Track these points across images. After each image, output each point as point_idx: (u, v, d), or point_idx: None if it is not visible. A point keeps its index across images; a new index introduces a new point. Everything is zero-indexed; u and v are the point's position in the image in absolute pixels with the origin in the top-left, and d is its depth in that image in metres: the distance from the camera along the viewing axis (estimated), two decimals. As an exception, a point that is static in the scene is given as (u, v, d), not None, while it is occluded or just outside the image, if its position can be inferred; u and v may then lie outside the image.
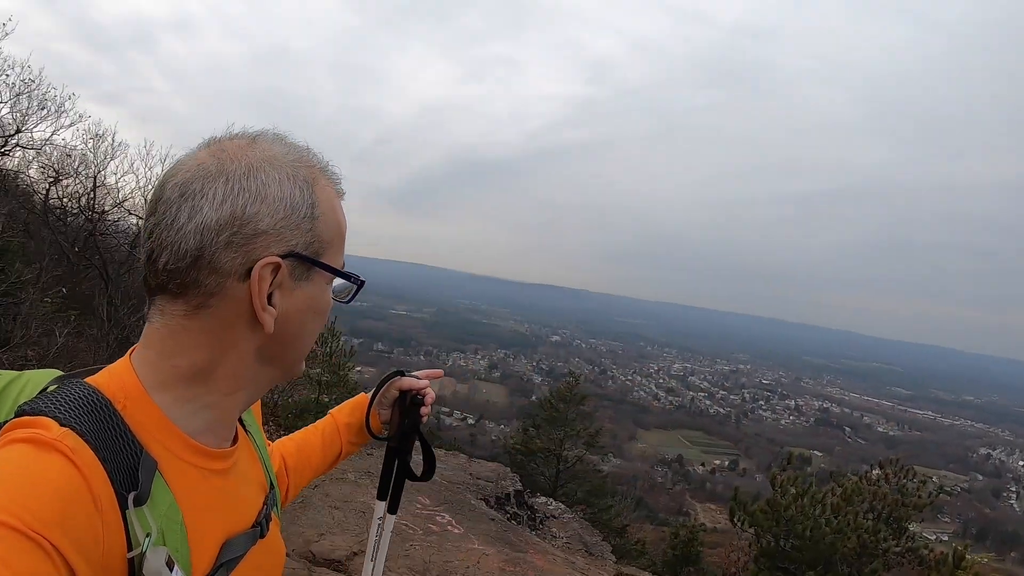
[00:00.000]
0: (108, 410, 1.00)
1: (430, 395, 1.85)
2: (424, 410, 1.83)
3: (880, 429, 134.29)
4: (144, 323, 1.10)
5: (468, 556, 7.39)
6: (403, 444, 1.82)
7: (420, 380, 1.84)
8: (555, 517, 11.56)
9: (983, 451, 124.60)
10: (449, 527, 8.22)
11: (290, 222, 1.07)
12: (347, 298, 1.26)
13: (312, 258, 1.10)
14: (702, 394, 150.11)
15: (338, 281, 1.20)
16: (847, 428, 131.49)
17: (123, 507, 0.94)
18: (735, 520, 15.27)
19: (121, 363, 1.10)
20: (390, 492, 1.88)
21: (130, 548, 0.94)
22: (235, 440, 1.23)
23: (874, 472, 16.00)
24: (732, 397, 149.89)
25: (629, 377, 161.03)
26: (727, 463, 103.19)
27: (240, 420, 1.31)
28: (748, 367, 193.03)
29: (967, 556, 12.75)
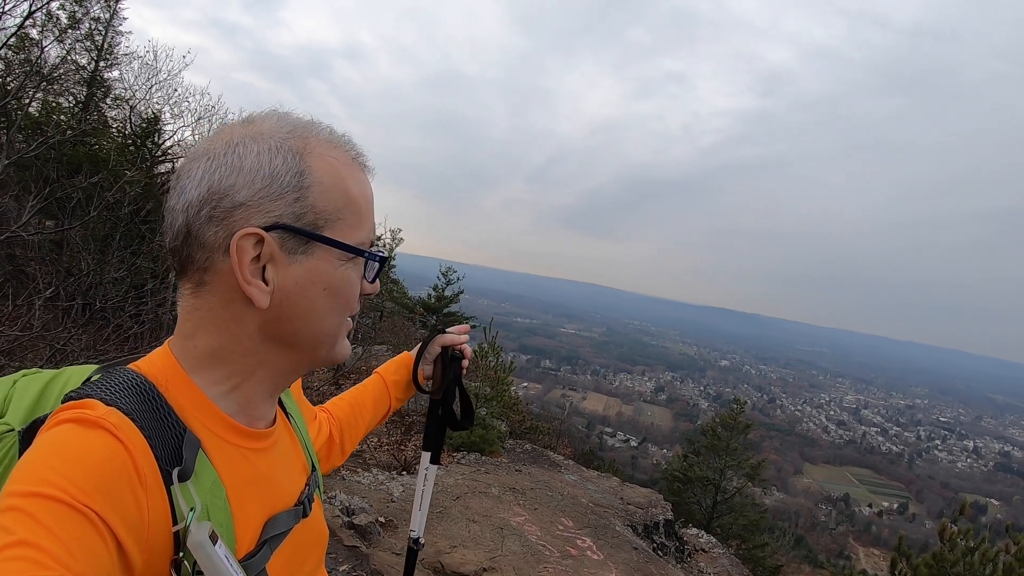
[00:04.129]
0: (152, 392, 1.02)
1: (468, 349, 1.99)
2: (464, 363, 1.97)
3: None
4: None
5: (604, 585, 7.15)
6: (447, 396, 1.95)
7: (461, 336, 1.99)
8: (705, 551, 11.40)
9: None
10: (588, 552, 8.01)
11: (271, 192, 1.06)
12: (372, 276, 1.22)
13: (306, 230, 1.08)
14: (875, 429, 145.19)
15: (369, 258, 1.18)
16: None
17: (167, 483, 0.96)
18: (896, 572, 13.95)
19: (160, 350, 1.13)
20: (434, 443, 2.02)
21: (175, 523, 0.96)
22: (274, 422, 1.26)
23: None
24: (907, 434, 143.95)
25: (798, 407, 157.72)
26: (896, 506, 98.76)
27: (281, 403, 1.35)
28: (926, 402, 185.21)
29: None
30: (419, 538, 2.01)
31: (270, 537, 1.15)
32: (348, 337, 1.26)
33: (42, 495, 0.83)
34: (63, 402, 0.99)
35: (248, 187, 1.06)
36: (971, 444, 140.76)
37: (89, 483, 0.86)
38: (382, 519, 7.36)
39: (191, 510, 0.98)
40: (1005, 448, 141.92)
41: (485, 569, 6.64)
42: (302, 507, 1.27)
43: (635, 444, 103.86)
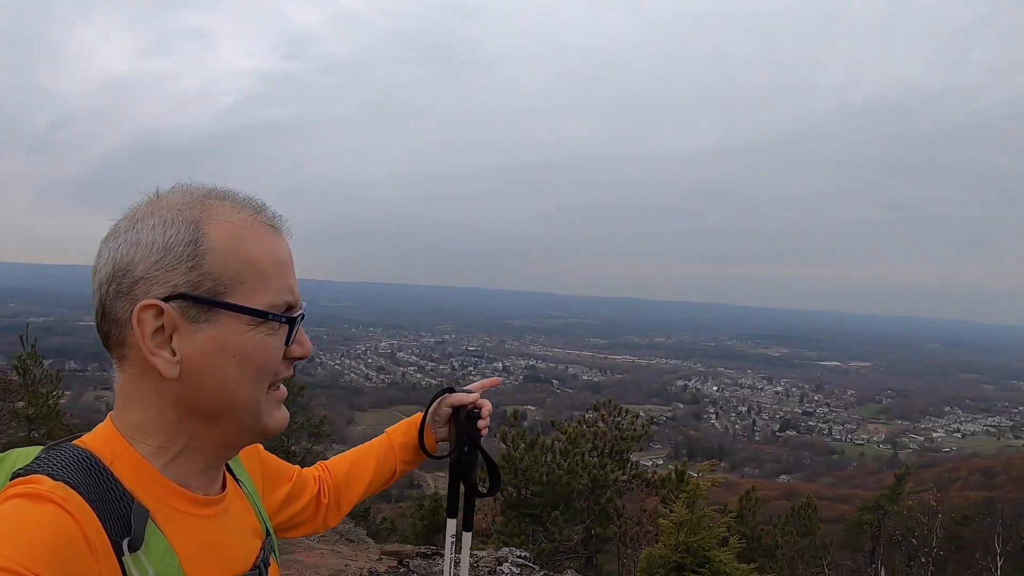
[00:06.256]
0: (97, 465, 1.04)
1: (486, 407, 1.88)
2: (482, 423, 1.86)
3: (585, 377, 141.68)
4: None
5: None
6: (464, 460, 1.85)
7: (471, 394, 1.87)
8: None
9: (680, 383, 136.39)
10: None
11: (166, 263, 1.07)
12: (287, 339, 1.17)
13: (205, 298, 1.08)
14: (412, 368, 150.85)
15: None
16: (554, 381, 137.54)
17: (118, 554, 0.97)
18: (474, 482, 16.29)
19: (104, 424, 1.15)
20: (461, 509, 1.93)
21: None
22: (224, 488, 1.26)
23: (589, 415, 17.39)
24: (441, 367, 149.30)
25: (337, 361, 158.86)
26: None
27: (229, 469, 1.34)
28: (454, 336, 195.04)
29: (687, 472, 14.00)
30: None
31: None
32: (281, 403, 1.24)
33: None
34: (11, 479, 1.01)
35: (144, 260, 1.07)
36: (500, 365, 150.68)
37: (42, 555, 0.87)
38: None
39: None
40: (530, 363, 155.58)
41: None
42: (258, 571, 1.27)
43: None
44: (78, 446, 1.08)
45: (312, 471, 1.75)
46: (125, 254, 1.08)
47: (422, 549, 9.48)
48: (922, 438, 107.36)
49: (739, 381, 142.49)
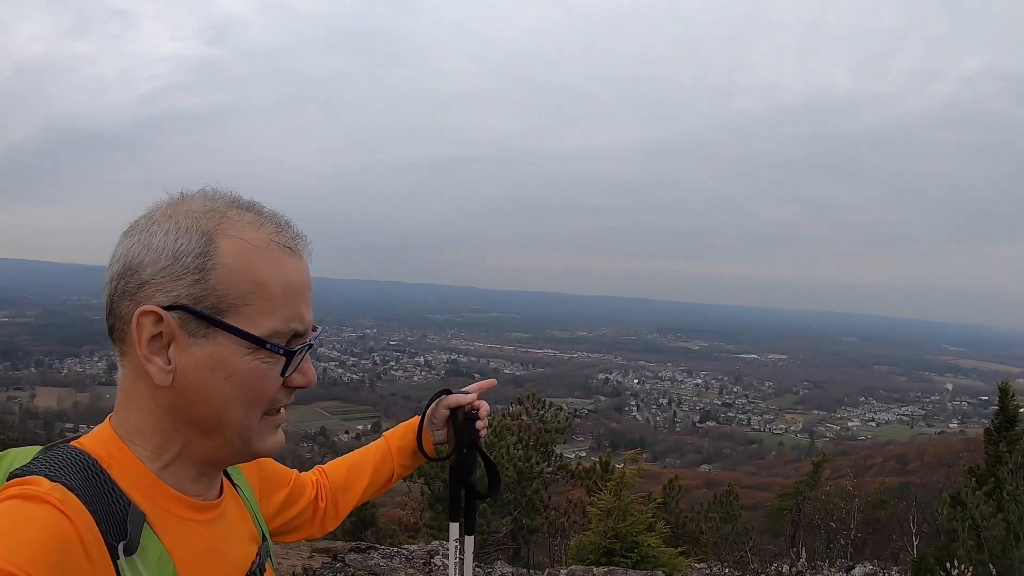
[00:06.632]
0: (94, 468, 1.03)
1: (484, 408, 1.88)
2: (480, 424, 1.86)
3: (507, 371, 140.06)
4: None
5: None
6: (463, 462, 1.85)
7: (468, 395, 1.87)
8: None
9: (601, 376, 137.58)
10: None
11: (172, 272, 1.05)
12: (284, 370, 1.13)
13: (205, 314, 1.06)
14: (333, 363, 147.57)
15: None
16: (476, 375, 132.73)
17: (114, 557, 0.97)
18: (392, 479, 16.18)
19: (102, 425, 1.15)
20: (463, 512, 1.93)
21: None
22: (221, 493, 1.26)
23: (513, 408, 17.45)
24: (363, 362, 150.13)
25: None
26: (370, 426, 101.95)
27: (227, 474, 1.34)
28: (375, 331, 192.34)
29: (612, 463, 14.46)
30: None
31: None
32: (278, 427, 1.22)
33: None
34: (8, 479, 1.01)
35: (152, 265, 1.06)
36: (422, 359, 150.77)
37: (38, 556, 0.87)
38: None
39: None
40: (452, 356, 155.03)
41: None
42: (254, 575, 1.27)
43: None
44: (76, 447, 1.07)
45: (310, 475, 1.77)
46: (136, 255, 1.07)
47: (355, 544, 9.49)
48: (838, 427, 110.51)
49: (659, 374, 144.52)
